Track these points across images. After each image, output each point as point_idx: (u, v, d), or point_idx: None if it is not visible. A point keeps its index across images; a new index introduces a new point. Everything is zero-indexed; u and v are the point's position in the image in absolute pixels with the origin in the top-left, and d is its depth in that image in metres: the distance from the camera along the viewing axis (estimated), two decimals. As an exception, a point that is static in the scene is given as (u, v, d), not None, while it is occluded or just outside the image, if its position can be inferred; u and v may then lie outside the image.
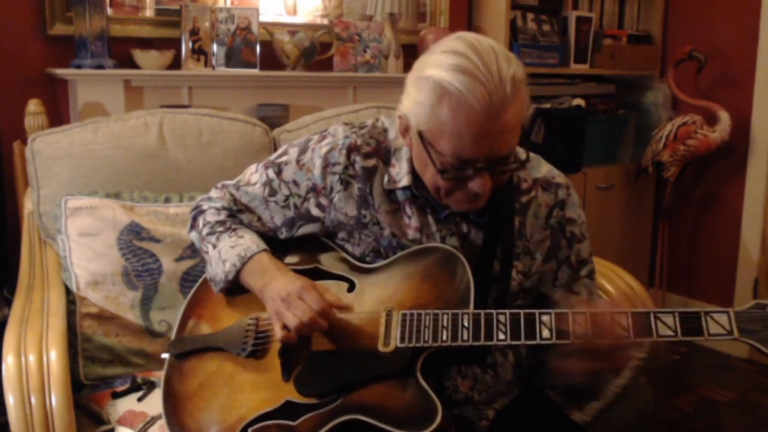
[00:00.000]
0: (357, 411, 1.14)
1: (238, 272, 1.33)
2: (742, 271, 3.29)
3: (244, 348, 1.29)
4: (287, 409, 1.20)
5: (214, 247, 1.37)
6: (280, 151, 1.41)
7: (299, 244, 1.40)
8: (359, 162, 1.30)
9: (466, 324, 1.14)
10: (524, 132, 1.17)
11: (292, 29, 2.69)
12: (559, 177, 1.34)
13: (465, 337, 1.13)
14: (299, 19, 2.87)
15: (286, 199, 1.36)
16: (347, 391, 1.18)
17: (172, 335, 1.43)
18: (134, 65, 2.46)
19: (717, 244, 3.41)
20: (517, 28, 3.14)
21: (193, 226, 1.46)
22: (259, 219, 1.41)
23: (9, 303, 1.86)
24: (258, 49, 2.58)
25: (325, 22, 2.89)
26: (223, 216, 1.41)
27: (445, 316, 1.15)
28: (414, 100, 1.16)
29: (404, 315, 1.19)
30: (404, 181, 1.28)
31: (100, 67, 2.31)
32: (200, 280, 1.48)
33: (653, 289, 3.43)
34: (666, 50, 3.54)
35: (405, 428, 1.10)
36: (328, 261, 1.35)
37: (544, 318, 1.11)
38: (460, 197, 1.20)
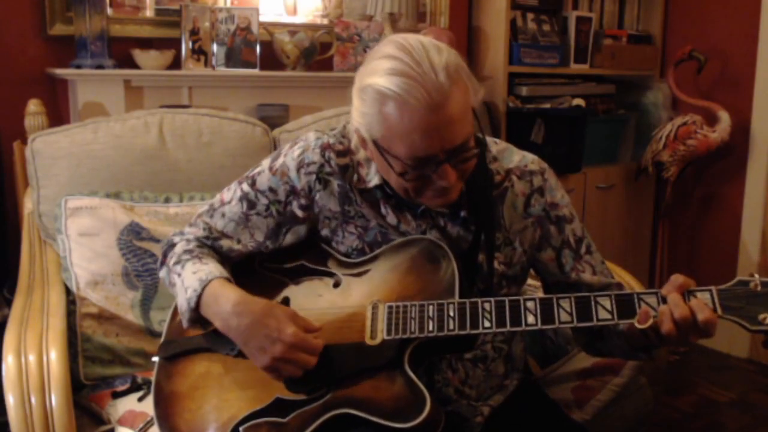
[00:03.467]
0: (346, 405, 1.15)
1: (199, 297, 1.26)
2: (742, 271, 3.29)
3: (233, 347, 1.29)
4: (277, 407, 1.21)
5: (179, 275, 1.31)
6: (254, 167, 1.38)
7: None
8: (334, 159, 1.30)
9: (451, 314, 1.15)
10: (476, 115, 1.19)
11: (292, 29, 2.69)
12: (533, 164, 1.33)
13: (451, 327, 1.14)
14: (299, 19, 2.87)
15: (267, 207, 1.33)
16: (336, 386, 1.19)
17: (162, 338, 1.43)
18: (134, 65, 2.46)
19: (717, 244, 3.41)
20: (517, 28, 3.14)
21: (163, 262, 1.39)
22: (239, 241, 1.36)
23: (9, 303, 1.86)
24: (258, 49, 2.58)
25: (325, 22, 2.89)
26: (191, 245, 1.36)
27: (431, 307, 1.16)
28: (360, 112, 1.16)
29: (390, 307, 1.20)
30: (374, 180, 1.27)
31: (100, 67, 2.31)
32: None
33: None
34: (666, 50, 3.54)
35: (394, 420, 1.10)
36: (313, 258, 1.35)
37: (529, 304, 1.13)
38: (430, 194, 1.19)
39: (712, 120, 3.18)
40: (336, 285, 1.30)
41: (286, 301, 1.31)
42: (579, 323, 1.12)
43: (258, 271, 1.38)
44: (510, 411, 1.33)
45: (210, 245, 1.37)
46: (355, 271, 1.29)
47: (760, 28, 3.13)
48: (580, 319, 1.12)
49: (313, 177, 1.30)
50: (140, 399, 1.58)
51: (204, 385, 1.29)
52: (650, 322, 1.08)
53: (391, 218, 1.29)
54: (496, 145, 1.34)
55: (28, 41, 2.40)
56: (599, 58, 3.33)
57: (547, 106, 3.12)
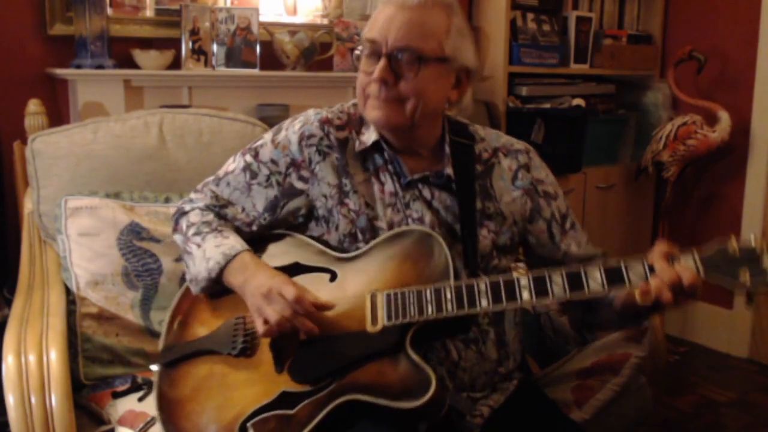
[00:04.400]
0: (353, 391, 1.17)
1: (222, 270, 1.33)
2: (742, 271, 3.29)
3: (234, 347, 1.30)
4: (284, 400, 1.22)
5: (199, 246, 1.38)
6: (257, 138, 1.46)
7: (277, 243, 1.41)
8: (333, 133, 1.38)
9: (449, 296, 1.18)
10: (446, 58, 1.29)
11: (292, 29, 2.69)
12: (518, 144, 1.45)
13: (449, 308, 1.18)
14: (299, 19, 2.87)
15: (268, 178, 1.39)
16: (341, 375, 1.20)
17: (161, 345, 1.43)
18: (134, 65, 2.46)
19: (717, 244, 3.40)
20: (517, 28, 3.14)
21: (176, 228, 1.46)
22: (243, 209, 1.42)
23: (9, 303, 1.87)
24: (258, 49, 2.58)
25: (325, 22, 2.89)
26: (209, 216, 1.42)
27: (429, 291, 1.20)
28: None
29: (389, 294, 1.23)
30: (373, 137, 1.35)
31: (100, 67, 2.31)
32: (182, 289, 1.47)
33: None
34: (666, 50, 3.54)
35: (401, 400, 1.12)
36: (307, 256, 1.36)
37: (522, 281, 1.17)
38: (372, 102, 1.30)
39: (712, 120, 3.18)
40: (332, 279, 1.31)
41: None
42: (571, 295, 1.15)
43: None
44: (509, 411, 1.33)
45: (218, 212, 1.43)
46: (350, 264, 1.31)
47: (760, 28, 3.13)
48: (572, 290, 1.15)
49: (314, 149, 1.37)
50: (140, 399, 1.58)
51: (208, 386, 1.30)
52: (652, 295, 1.12)
53: (390, 185, 1.35)
54: (484, 130, 1.45)
55: (28, 41, 2.40)
56: (599, 58, 3.33)
57: (547, 106, 3.12)
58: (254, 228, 1.43)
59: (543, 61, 3.18)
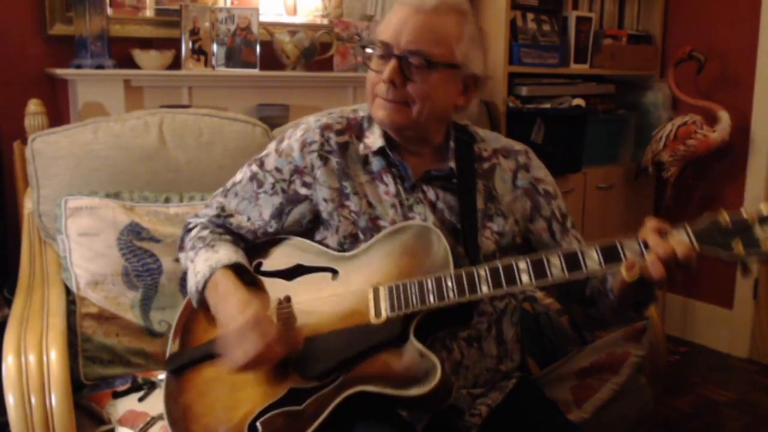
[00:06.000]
0: (360, 383, 1.18)
1: (206, 282, 1.34)
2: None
3: None
4: (292, 397, 1.23)
5: (192, 261, 1.40)
6: (263, 150, 1.48)
7: (279, 247, 1.43)
8: (333, 138, 1.40)
9: (449, 284, 1.19)
10: (457, 64, 1.30)
11: (292, 29, 2.69)
12: (517, 145, 1.47)
13: (451, 296, 1.19)
14: (299, 19, 2.87)
15: (273, 185, 1.42)
16: (348, 368, 1.21)
17: (168, 351, 1.44)
18: (134, 65, 2.46)
19: (717, 244, 3.40)
20: (517, 28, 3.14)
21: (181, 246, 1.49)
22: (249, 218, 1.44)
23: (9, 303, 1.87)
24: (258, 49, 2.58)
25: (325, 22, 2.89)
26: (205, 233, 1.44)
27: (429, 281, 1.21)
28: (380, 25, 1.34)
29: (390, 287, 1.24)
30: (378, 143, 1.37)
31: (100, 67, 2.32)
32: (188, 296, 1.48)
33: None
34: (666, 50, 3.54)
35: (409, 388, 1.13)
36: (308, 257, 1.38)
37: (521, 265, 1.18)
38: (379, 102, 1.32)
39: (712, 120, 3.18)
40: (334, 277, 1.32)
41: (288, 299, 1.31)
42: (570, 275, 1.16)
43: (257, 273, 1.40)
44: (508, 410, 1.34)
45: (221, 223, 1.45)
46: (351, 262, 1.33)
47: (760, 28, 3.13)
48: (570, 270, 1.16)
49: (315, 155, 1.39)
50: (140, 399, 1.58)
51: (216, 389, 1.31)
52: (637, 269, 1.12)
53: (392, 187, 1.37)
54: (483, 132, 1.47)
55: (28, 41, 2.40)
56: (599, 58, 3.33)
57: (547, 106, 3.12)
58: (260, 236, 1.45)
59: (543, 61, 3.18)
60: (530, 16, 3.19)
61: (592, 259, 1.15)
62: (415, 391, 1.13)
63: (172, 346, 1.43)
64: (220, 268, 1.34)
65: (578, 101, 3.16)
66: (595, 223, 3.28)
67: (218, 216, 1.46)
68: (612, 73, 3.41)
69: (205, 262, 1.36)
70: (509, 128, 3.07)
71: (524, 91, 3.12)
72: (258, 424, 1.22)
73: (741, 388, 2.98)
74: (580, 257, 1.16)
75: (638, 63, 3.46)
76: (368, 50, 1.34)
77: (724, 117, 3.13)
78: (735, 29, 3.24)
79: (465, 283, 1.19)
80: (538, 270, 1.17)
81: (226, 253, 1.38)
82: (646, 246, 1.13)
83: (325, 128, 1.41)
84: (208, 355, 1.34)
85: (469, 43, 1.31)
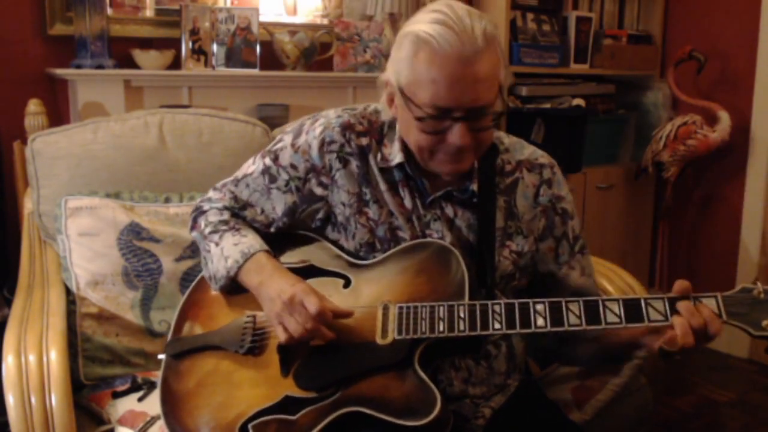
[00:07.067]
0: (356, 403, 1.15)
1: (240, 268, 1.32)
2: (742, 272, 3.29)
3: (242, 345, 1.29)
4: (287, 404, 1.21)
5: (217, 245, 1.37)
6: (275, 140, 1.42)
7: (294, 243, 1.40)
8: (354, 140, 1.33)
9: (462, 315, 1.16)
10: (502, 89, 1.21)
11: (292, 29, 2.69)
12: (543, 158, 1.38)
13: (461, 328, 1.15)
14: (299, 19, 2.87)
15: (287, 183, 1.37)
16: (346, 384, 1.19)
17: (170, 336, 1.43)
18: (134, 65, 2.46)
19: (717, 244, 3.41)
20: (517, 28, 3.14)
21: (194, 226, 1.46)
22: (262, 211, 1.41)
23: (9, 303, 1.86)
24: (258, 49, 2.58)
25: (325, 22, 2.89)
26: (226, 216, 1.42)
27: (442, 308, 1.17)
28: (395, 59, 1.21)
29: (401, 308, 1.21)
30: (397, 158, 1.30)
31: (100, 67, 2.31)
32: (195, 281, 1.48)
33: (653, 289, 3.43)
34: (666, 50, 3.54)
35: (404, 418, 1.11)
36: (322, 258, 1.35)
37: (538, 307, 1.14)
38: (442, 157, 1.22)
39: (712, 120, 3.18)
40: (346, 286, 1.30)
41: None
42: (588, 326, 1.12)
43: None
44: (510, 412, 1.33)
45: (236, 213, 1.42)
46: (365, 272, 1.30)
47: (760, 28, 3.13)
48: (589, 321, 1.12)
49: (334, 156, 1.33)
50: (140, 399, 1.58)
51: (212, 383, 1.29)
52: (678, 344, 1.09)
53: (408, 201, 1.31)
54: (508, 138, 1.39)
55: (28, 41, 2.40)
56: (599, 58, 3.33)
57: (547, 106, 3.12)
58: (272, 230, 1.42)
59: (543, 61, 3.18)
60: (530, 16, 3.19)
61: (614, 313, 1.12)
62: (409, 422, 1.10)
63: (175, 329, 1.41)
64: (263, 251, 1.32)
65: (578, 101, 3.16)
66: (595, 223, 3.28)
67: (233, 206, 1.42)
68: (612, 73, 3.42)
69: (235, 247, 1.33)
70: (509, 128, 3.06)
71: (524, 91, 3.12)
72: (250, 427, 1.21)
73: (741, 388, 2.98)
74: (601, 309, 1.12)
75: (638, 63, 3.46)
76: (415, 114, 1.19)
77: (724, 117, 3.13)
78: (735, 29, 3.24)
79: (478, 317, 1.15)
80: (555, 316, 1.13)
81: (256, 238, 1.36)
82: (673, 308, 1.10)
83: (346, 127, 1.33)
84: (209, 346, 1.33)
85: (504, 64, 1.21)
